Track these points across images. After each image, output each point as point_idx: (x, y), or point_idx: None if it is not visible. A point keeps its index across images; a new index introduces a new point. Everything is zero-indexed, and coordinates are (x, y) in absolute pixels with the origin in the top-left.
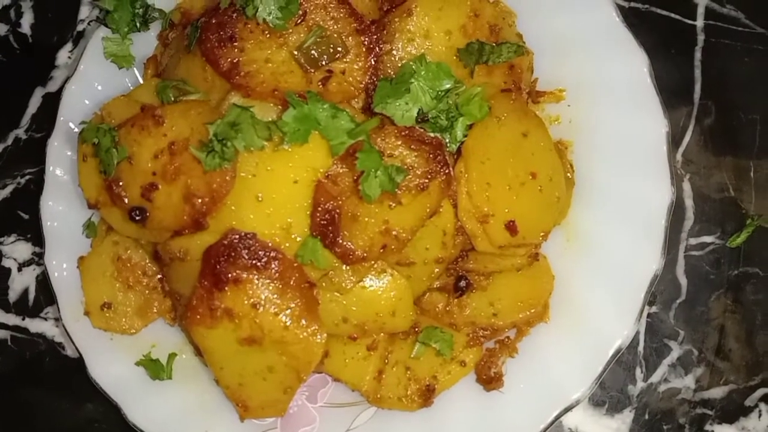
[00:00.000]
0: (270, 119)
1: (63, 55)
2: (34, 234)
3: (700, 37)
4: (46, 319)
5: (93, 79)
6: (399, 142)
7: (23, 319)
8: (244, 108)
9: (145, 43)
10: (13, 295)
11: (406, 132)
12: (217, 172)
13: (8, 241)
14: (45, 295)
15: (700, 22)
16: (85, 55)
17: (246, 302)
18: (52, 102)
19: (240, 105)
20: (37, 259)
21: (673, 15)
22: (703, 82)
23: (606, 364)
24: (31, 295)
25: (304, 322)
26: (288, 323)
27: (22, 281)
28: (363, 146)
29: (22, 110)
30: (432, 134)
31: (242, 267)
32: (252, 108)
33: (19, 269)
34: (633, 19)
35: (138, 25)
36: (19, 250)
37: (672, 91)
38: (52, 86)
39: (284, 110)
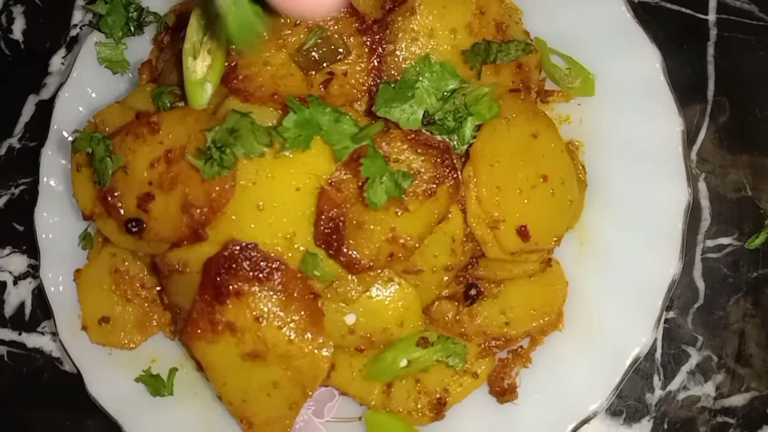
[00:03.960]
0: (270, 125)
1: (56, 61)
2: (30, 246)
3: (713, 32)
4: (43, 333)
5: (87, 86)
6: (405, 147)
7: (20, 334)
8: (243, 114)
9: (140, 47)
10: (9, 310)
11: (413, 136)
12: (216, 180)
13: (3, 254)
14: (42, 308)
15: (712, 17)
16: (78, 61)
17: (248, 315)
18: (45, 110)
19: (238, 110)
20: (33, 271)
21: (684, 9)
22: (717, 79)
23: (624, 373)
24: (28, 309)
25: (309, 335)
26: (292, 337)
27: (18, 295)
28: (367, 151)
29: (15, 119)
30: (439, 138)
31: (244, 279)
32: (251, 113)
33: (15, 283)
34: (643, 14)
35: (132, 29)
36: (14, 262)
37: (684, 88)
38: (45, 93)
39: (284, 115)
